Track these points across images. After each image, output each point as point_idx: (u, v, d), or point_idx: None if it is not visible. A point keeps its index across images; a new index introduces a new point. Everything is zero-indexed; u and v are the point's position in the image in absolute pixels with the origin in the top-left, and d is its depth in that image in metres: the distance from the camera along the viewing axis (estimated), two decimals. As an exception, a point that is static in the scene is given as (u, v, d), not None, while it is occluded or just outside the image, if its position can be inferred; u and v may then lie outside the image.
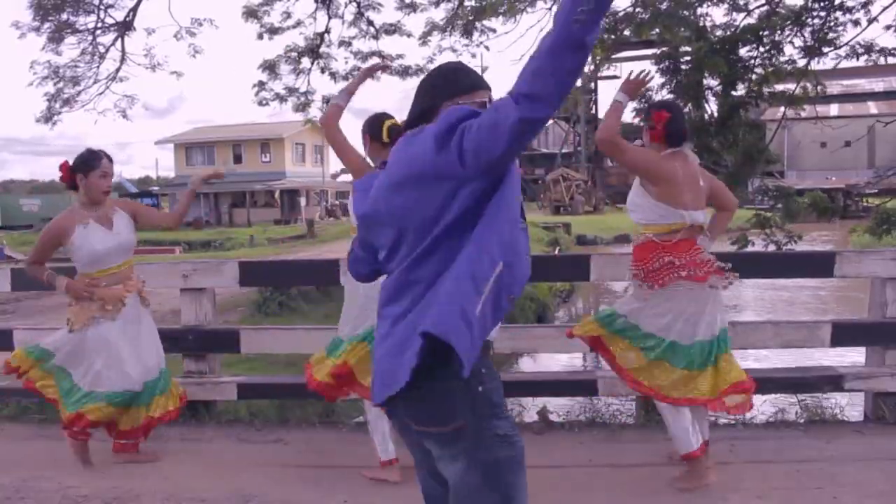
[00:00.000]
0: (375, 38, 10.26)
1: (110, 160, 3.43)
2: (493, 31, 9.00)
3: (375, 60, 10.40)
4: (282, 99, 10.59)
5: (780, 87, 7.46)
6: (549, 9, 8.37)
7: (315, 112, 10.84)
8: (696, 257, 2.98)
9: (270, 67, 10.43)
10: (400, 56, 10.57)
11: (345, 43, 10.34)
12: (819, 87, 7.40)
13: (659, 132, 3.01)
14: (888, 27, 7.09)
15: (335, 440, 3.83)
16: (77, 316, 3.35)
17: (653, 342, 3.03)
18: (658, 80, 7.71)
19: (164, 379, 3.49)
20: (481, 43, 9.23)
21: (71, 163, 3.39)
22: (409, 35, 10.19)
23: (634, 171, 3.10)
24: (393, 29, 10.15)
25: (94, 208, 3.40)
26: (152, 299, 3.61)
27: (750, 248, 6.63)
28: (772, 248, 6.95)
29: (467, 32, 8.99)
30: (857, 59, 7.13)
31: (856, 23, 6.95)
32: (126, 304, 3.39)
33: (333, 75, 10.51)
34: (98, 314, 3.34)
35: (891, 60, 7.16)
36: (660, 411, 3.13)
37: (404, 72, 10.34)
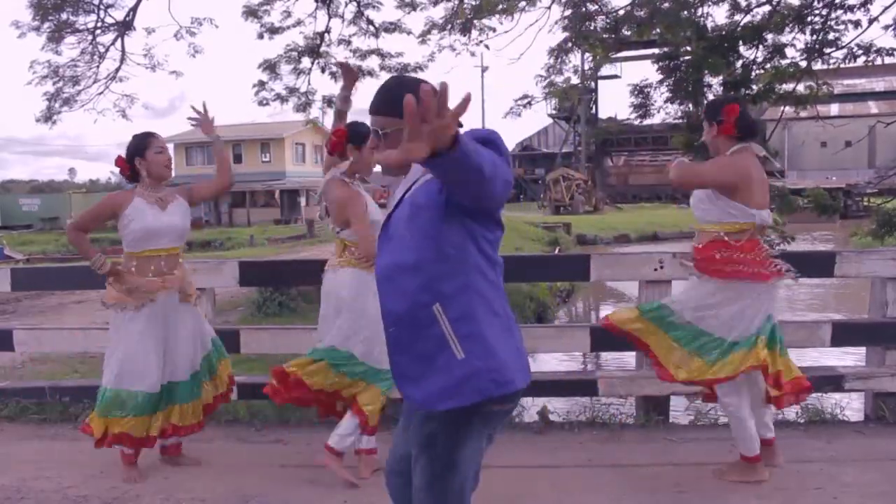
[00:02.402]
0: (375, 35, 10.26)
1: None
2: (493, 29, 9.01)
3: (375, 59, 10.42)
4: (282, 99, 10.60)
5: (782, 87, 7.45)
6: (548, 8, 8.36)
7: (315, 112, 10.85)
8: (759, 256, 2.98)
9: (271, 67, 10.43)
10: (400, 54, 10.58)
11: (344, 41, 10.34)
12: (825, 87, 7.39)
13: (729, 126, 2.99)
14: (887, 27, 7.09)
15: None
16: (109, 293, 3.28)
17: (710, 342, 3.02)
18: (658, 79, 7.72)
19: (190, 386, 3.40)
20: (481, 41, 9.23)
21: (124, 155, 3.36)
22: (408, 33, 10.19)
23: (720, 187, 3.01)
24: (393, 27, 10.14)
25: (154, 190, 3.35)
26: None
27: None
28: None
29: (465, 30, 8.99)
30: (855, 60, 7.13)
31: (856, 24, 6.95)
32: (156, 300, 3.27)
33: (334, 75, 10.51)
34: (128, 301, 3.25)
35: (888, 59, 7.17)
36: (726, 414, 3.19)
37: (403, 69, 10.33)
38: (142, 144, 3.35)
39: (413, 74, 10.29)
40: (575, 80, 10.13)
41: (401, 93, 1.34)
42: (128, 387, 3.22)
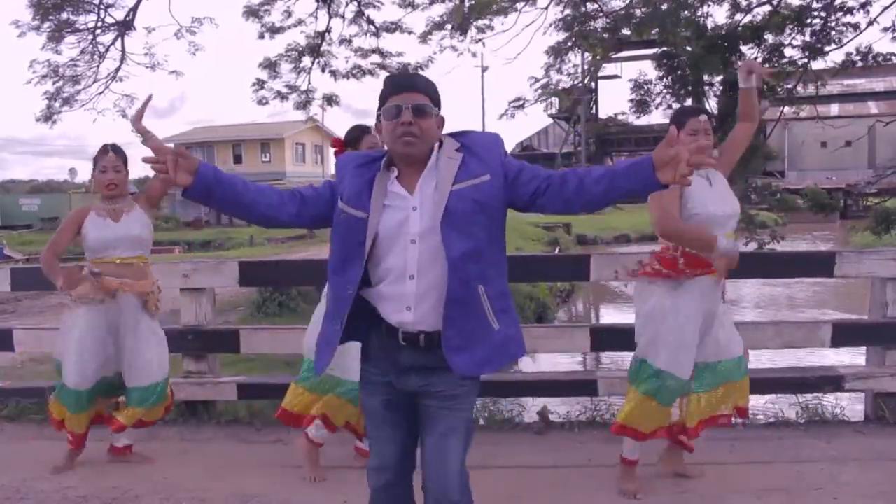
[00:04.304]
0: (376, 35, 10.25)
1: (117, 153, 3.40)
2: (491, 28, 9.01)
3: (375, 58, 10.42)
4: (282, 97, 10.58)
5: (780, 86, 7.46)
6: (545, 8, 8.37)
7: (315, 110, 10.85)
8: None
9: (271, 66, 10.42)
10: (400, 53, 10.58)
11: (345, 41, 10.33)
12: (819, 84, 7.41)
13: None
14: (886, 29, 7.09)
15: (335, 440, 3.82)
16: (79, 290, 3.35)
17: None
18: (657, 75, 7.73)
19: (152, 394, 3.39)
20: (479, 40, 9.25)
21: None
22: (409, 32, 10.18)
23: None
24: (394, 27, 10.14)
25: (111, 201, 3.40)
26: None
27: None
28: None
29: (463, 30, 9.00)
30: (854, 66, 7.15)
31: (855, 26, 6.95)
32: (102, 299, 3.33)
33: (334, 73, 10.51)
34: (81, 299, 3.33)
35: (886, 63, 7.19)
36: None
37: (403, 69, 10.33)
38: (95, 159, 3.41)
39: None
40: (571, 82, 10.16)
41: (435, 87, 1.94)
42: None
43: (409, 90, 1.91)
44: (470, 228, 1.86)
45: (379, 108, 1.95)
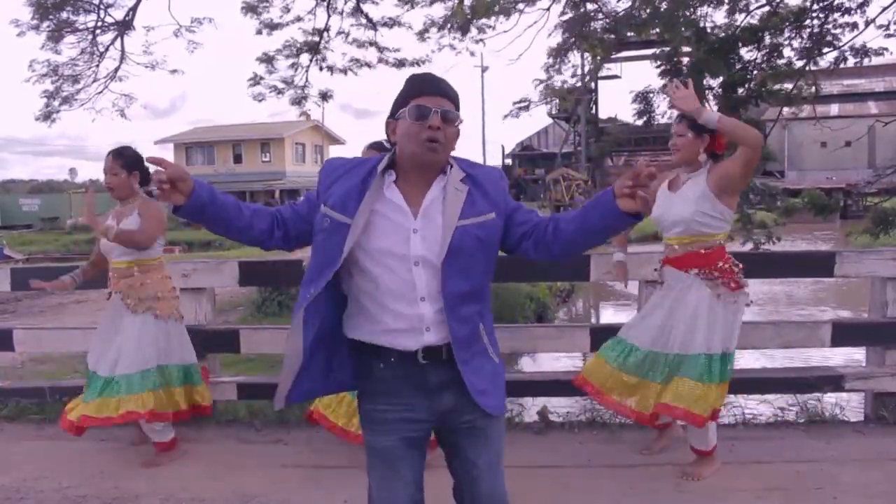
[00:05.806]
0: (374, 29, 10.24)
1: (116, 157, 3.43)
2: (492, 27, 9.02)
3: (373, 51, 10.42)
4: (279, 91, 10.57)
5: (778, 87, 7.47)
6: (547, 9, 8.37)
7: (312, 105, 10.87)
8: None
9: (268, 60, 10.41)
10: (397, 49, 10.58)
11: (342, 34, 10.32)
12: (815, 87, 7.43)
13: (721, 144, 3.04)
14: (880, 26, 7.11)
15: (335, 440, 3.82)
16: None
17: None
18: (659, 81, 7.73)
19: (143, 379, 3.39)
20: (480, 40, 9.25)
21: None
22: (408, 27, 10.18)
23: (744, 175, 2.98)
24: (392, 23, 10.14)
25: (122, 204, 3.49)
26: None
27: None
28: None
29: (463, 29, 9.01)
30: (847, 62, 7.17)
31: (853, 26, 6.97)
32: (111, 299, 3.51)
33: (331, 69, 10.52)
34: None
35: (878, 59, 7.21)
36: None
37: (400, 64, 10.34)
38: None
39: (412, 70, 10.31)
40: (573, 82, 10.18)
41: (459, 96, 1.82)
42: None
43: (438, 94, 1.77)
44: (470, 267, 1.78)
45: (397, 107, 1.81)
